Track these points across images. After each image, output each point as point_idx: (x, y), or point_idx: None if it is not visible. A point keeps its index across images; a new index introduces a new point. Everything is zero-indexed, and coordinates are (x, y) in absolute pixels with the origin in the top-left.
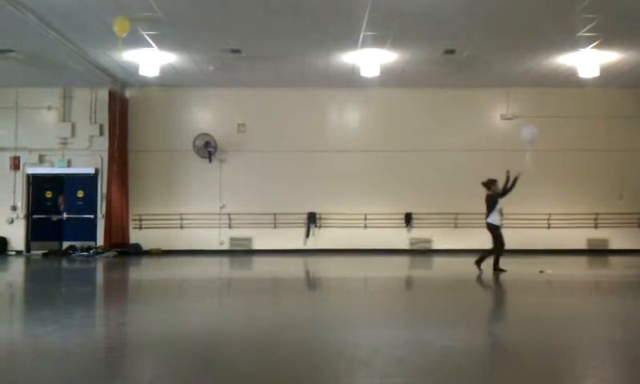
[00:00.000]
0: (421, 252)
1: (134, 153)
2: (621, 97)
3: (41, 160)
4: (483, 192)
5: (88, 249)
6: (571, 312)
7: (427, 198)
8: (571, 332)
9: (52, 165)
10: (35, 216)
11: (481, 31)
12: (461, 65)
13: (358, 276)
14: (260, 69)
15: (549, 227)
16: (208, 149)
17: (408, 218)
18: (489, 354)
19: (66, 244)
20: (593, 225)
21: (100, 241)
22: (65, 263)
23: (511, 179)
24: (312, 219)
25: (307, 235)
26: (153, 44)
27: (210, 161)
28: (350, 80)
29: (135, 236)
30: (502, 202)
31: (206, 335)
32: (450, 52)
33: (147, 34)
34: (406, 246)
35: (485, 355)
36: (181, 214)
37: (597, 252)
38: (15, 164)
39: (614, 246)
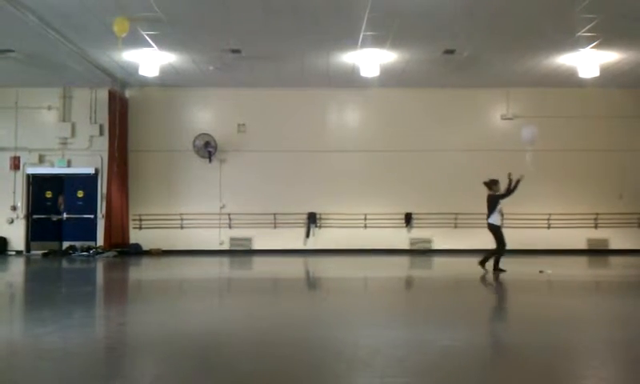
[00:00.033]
0: (421, 252)
1: (134, 153)
2: (621, 97)
3: (41, 160)
4: (484, 192)
5: (88, 249)
6: (571, 312)
7: (427, 198)
8: (571, 332)
9: (52, 165)
10: (35, 216)
11: (481, 31)
12: (461, 65)
13: (358, 276)
14: (260, 69)
15: (549, 227)
16: (208, 149)
17: (408, 218)
18: (489, 354)
19: (66, 244)
20: (593, 225)
21: (100, 241)
22: (65, 263)
23: (513, 182)
24: (312, 219)
25: (307, 235)
26: (153, 44)
27: (210, 161)
28: (350, 80)
29: (135, 236)
30: (502, 203)
31: (205, 335)
32: (450, 52)
33: (147, 34)
34: (406, 246)
35: (485, 355)
36: (181, 214)
37: (597, 252)
38: (15, 164)
39: (614, 246)
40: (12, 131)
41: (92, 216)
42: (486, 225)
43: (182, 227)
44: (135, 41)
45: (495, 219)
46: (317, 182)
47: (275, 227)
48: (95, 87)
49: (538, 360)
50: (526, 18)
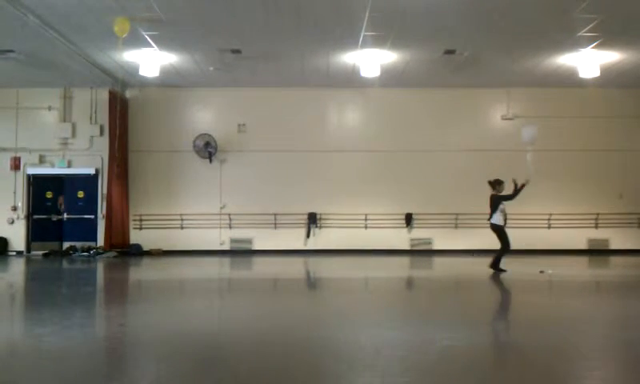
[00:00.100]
0: (422, 252)
1: (135, 153)
2: (621, 97)
3: (41, 160)
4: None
5: (88, 249)
6: (571, 312)
7: (428, 198)
8: (572, 332)
9: (52, 165)
10: (36, 216)
11: (481, 31)
12: (461, 65)
13: (359, 276)
14: (260, 69)
15: (549, 227)
16: (208, 149)
17: (408, 219)
18: (489, 354)
19: (66, 244)
20: (593, 225)
21: (100, 241)
22: (65, 264)
23: (519, 186)
24: (312, 219)
25: (307, 235)
26: (153, 44)
27: (211, 161)
28: (350, 80)
29: (135, 236)
30: (505, 203)
31: (205, 335)
32: (450, 52)
33: (147, 34)
34: (406, 247)
35: (485, 355)
36: (181, 215)
37: (597, 252)
38: (16, 164)
39: (614, 246)
40: (12, 132)
41: (92, 216)
42: (489, 225)
43: (182, 227)
44: (135, 41)
45: (497, 219)
46: (317, 182)
47: (275, 227)
48: (95, 87)
49: (538, 360)
50: (526, 18)
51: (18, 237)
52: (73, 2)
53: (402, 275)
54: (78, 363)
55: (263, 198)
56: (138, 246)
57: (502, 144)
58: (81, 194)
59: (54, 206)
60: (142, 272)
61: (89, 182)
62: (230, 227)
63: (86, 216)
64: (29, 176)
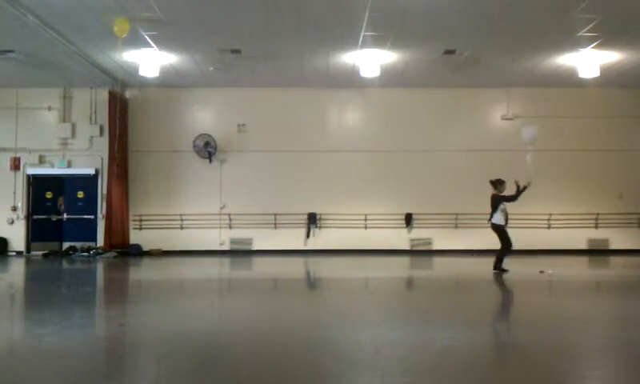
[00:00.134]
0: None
1: (134, 153)
2: (621, 97)
3: (41, 161)
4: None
5: (88, 249)
6: (572, 312)
7: (427, 198)
8: (572, 332)
9: (52, 165)
10: (35, 216)
11: (481, 31)
12: (461, 65)
13: (359, 276)
14: (260, 69)
15: (549, 227)
16: (208, 149)
17: (408, 219)
18: (490, 354)
19: (66, 245)
20: (593, 225)
21: (100, 241)
22: (65, 264)
23: (521, 187)
24: (312, 220)
25: (307, 236)
26: (153, 44)
27: (211, 161)
28: (350, 80)
29: (135, 236)
30: (506, 203)
31: (205, 335)
32: (450, 52)
33: (147, 35)
34: (406, 247)
35: (486, 355)
36: (181, 215)
37: (597, 252)
38: (15, 165)
39: (614, 246)
40: (12, 132)
41: (92, 216)
42: (490, 225)
43: (182, 228)
44: (135, 41)
45: (498, 219)
46: (317, 182)
47: (275, 227)
48: (95, 88)
49: (538, 360)
50: (526, 17)
51: (17, 237)
52: (72, 2)
53: (401, 275)
54: (78, 363)
55: (263, 198)
56: (137, 246)
57: (501, 144)
58: (80, 194)
59: (54, 207)
60: (141, 272)
61: (89, 182)
62: (230, 227)
63: (85, 216)
64: (29, 176)
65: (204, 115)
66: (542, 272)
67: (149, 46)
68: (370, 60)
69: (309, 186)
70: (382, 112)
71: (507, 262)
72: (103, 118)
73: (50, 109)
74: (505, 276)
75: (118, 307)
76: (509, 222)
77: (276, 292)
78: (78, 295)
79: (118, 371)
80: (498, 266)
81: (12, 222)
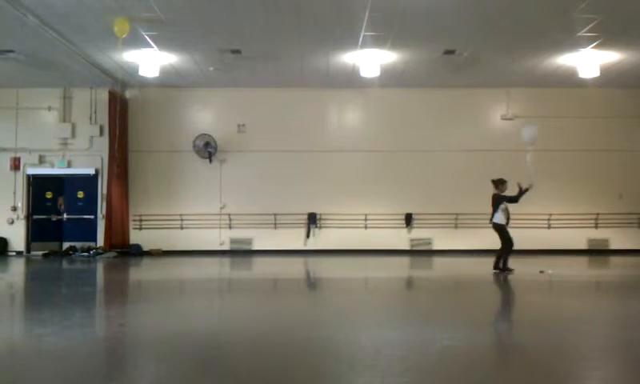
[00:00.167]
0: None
1: (134, 153)
2: (621, 97)
3: (41, 161)
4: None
5: (88, 249)
6: (572, 312)
7: (427, 198)
8: (572, 332)
9: (52, 165)
10: (35, 216)
11: (481, 31)
12: (461, 65)
13: (359, 276)
14: (260, 69)
15: (549, 227)
16: (208, 149)
17: (408, 219)
18: (490, 354)
19: (66, 245)
20: (593, 225)
21: (100, 241)
22: (65, 264)
23: (523, 189)
24: (312, 219)
25: (307, 236)
26: (153, 44)
27: (211, 161)
28: (350, 80)
29: (135, 236)
30: (507, 203)
31: (205, 335)
32: (450, 52)
33: (147, 35)
34: (406, 247)
35: (486, 355)
36: (181, 215)
37: (597, 252)
38: (15, 165)
39: (614, 246)
40: (12, 132)
41: (92, 216)
42: (491, 225)
43: (182, 228)
44: (135, 41)
45: (499, 218)
46: (317, 182)
47: (275, 227)
48: (95, 88)
49: (538, 360)
50: (526, 18)
51: (17, 237)
52: (72, 2)
53: (401, 275)
54: (78, 363)
55: (263, 198)
56: (137, 247)
57: (501, 144)
58: (80, 194)
59: (54, 206)
60: (141, 272)
61: (89, 182)
62: (230, 227)
63: (85, 216)
64: (28, 176)
65: (204, 115)
66: (542, 272)
67: (149, 46)
68: (369, 60)
69: (309, 186)
70: (382, 112)
71: (508, 262)
72: (103, 118)
73: (50, 109)
74: (505, 276)
75: (118, 307)
76: (510, 221)
77: (276, 292)
78: (78, 295)
79: (118, 371)
80: (503, 266)
81: (12, 222)
